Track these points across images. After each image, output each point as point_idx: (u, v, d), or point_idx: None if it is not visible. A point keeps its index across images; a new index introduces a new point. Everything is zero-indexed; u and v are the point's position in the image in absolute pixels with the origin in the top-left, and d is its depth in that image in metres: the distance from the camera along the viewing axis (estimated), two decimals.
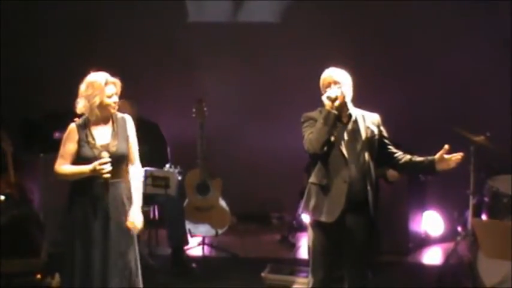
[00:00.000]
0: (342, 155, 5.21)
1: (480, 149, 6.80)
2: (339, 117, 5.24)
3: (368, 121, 5.31)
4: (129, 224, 5.23)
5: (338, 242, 5.30)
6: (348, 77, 5.32)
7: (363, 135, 5.26)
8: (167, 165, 7.11)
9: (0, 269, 6.56)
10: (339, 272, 5.42)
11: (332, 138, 5.19)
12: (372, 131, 5.29)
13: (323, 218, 5.24)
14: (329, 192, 5.24)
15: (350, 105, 5.30)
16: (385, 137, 5.38)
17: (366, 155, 5.25)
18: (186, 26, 8.68)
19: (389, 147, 5.40)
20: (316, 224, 5.31)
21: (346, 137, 5.24)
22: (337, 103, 5.16)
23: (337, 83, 5.25)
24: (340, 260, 5.36)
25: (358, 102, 7.32)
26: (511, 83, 7.99)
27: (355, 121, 5.28)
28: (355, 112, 5.32)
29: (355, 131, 5.27)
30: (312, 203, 5.30)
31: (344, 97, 5.19)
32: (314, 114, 5.31)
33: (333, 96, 5.17)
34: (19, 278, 6.63)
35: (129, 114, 7.08)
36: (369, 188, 5.23)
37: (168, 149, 7.56)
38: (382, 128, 5.37)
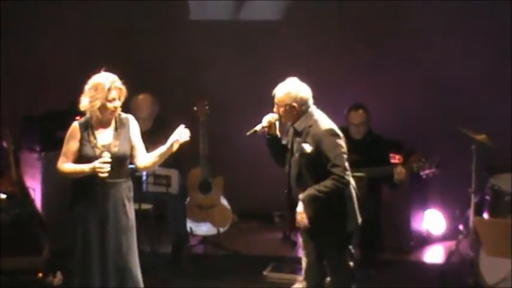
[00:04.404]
0: (288, 167, 5.50)
1: (482, 148, 6.80)
2: (295, 130, 5.45)
3: (308, 137, 5.36)
4: (175, 144, 5.27)
5: (306, 241, 5.54)
6: (288, 95, 5.40)
7: (300, 150, 5.37)
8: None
9: (2, 267, 6.58)
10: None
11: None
12: (304, 148, 5.35)
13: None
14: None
15: (301, 120, 5.41)
16: (319, 154, 5.32)
17: (298, 169, 5.39)
18: (188, 24, 8.67)
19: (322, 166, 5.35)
20: None
21: (294, 149, 5.45)
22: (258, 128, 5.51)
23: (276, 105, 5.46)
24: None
25: (358, 101, 7.37)
26: (511, 83, 7.97)
27: (300, 136, 5.39)
28: (307, 123, 5.38)
29: (299, 144, 5.40)
30: None
31: (272, 122, 5.48)
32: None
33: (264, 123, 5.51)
34: (21, 276, 6.64)
35: (148, 109, 7.22)
36: (300, 199, 5.34)
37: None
38: (325, 142, 5.31)
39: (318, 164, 5.31)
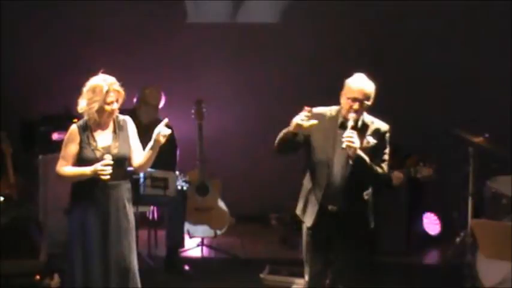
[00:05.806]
0: (327, 161, 5.25)
1: (479, 150, 6.81)
2: (343, 123, 5.23)
3: (370, 131, 5.28)
4: (160, 137, 5.17)
5: (321, 243, 5.42)
6: (373, 90, 5.29)
7: (363, 143, 5.21)
8: (177, 172, 7.13)
9: None
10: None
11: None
12: (368, 142, 5.25)
13: (305, 221, 5.44)
14: (311, 196, 5.38)
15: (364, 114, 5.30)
16: (379, 149, 5.28)
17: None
18: (184, 27, 8.67)
19: (376, 159, 5.27)
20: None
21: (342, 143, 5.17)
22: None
23: (357, 100, 5.20)
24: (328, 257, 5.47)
25: None
26: (511, 83, 7.98)
27: (357, 130, 5.20)
28: (365, 120, 5.29)
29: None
30: (300, 204, 5.50)
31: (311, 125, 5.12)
32: (319, 112, 5.28)
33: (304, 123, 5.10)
34: (18, 279, 6.62)
35: (157, 98, 7.24)
36: (348, 197, 5.27)
37: (178, 153, 7.51)
38: (386, 139, 5.32)
39: (371, 156, 5.23)
